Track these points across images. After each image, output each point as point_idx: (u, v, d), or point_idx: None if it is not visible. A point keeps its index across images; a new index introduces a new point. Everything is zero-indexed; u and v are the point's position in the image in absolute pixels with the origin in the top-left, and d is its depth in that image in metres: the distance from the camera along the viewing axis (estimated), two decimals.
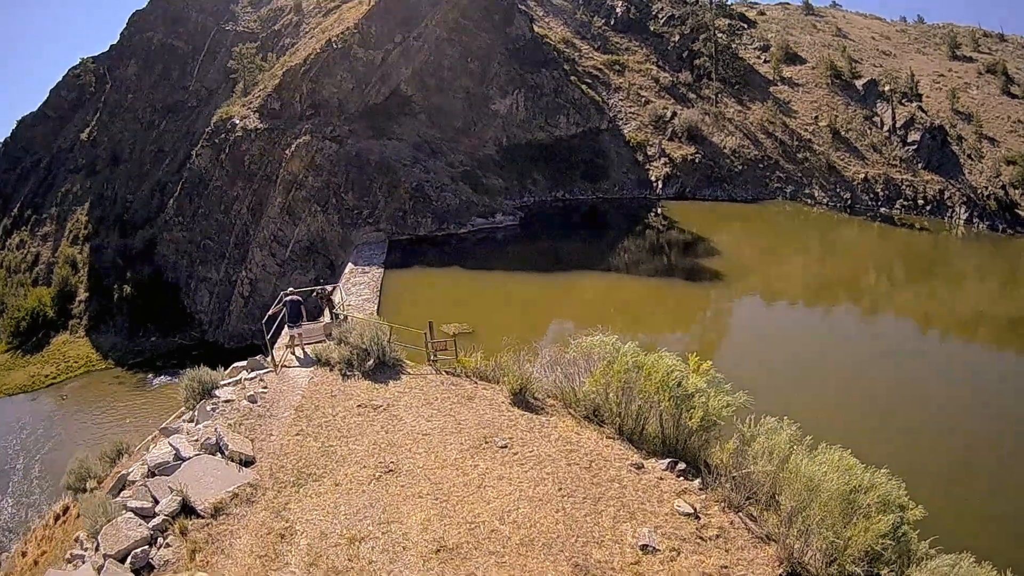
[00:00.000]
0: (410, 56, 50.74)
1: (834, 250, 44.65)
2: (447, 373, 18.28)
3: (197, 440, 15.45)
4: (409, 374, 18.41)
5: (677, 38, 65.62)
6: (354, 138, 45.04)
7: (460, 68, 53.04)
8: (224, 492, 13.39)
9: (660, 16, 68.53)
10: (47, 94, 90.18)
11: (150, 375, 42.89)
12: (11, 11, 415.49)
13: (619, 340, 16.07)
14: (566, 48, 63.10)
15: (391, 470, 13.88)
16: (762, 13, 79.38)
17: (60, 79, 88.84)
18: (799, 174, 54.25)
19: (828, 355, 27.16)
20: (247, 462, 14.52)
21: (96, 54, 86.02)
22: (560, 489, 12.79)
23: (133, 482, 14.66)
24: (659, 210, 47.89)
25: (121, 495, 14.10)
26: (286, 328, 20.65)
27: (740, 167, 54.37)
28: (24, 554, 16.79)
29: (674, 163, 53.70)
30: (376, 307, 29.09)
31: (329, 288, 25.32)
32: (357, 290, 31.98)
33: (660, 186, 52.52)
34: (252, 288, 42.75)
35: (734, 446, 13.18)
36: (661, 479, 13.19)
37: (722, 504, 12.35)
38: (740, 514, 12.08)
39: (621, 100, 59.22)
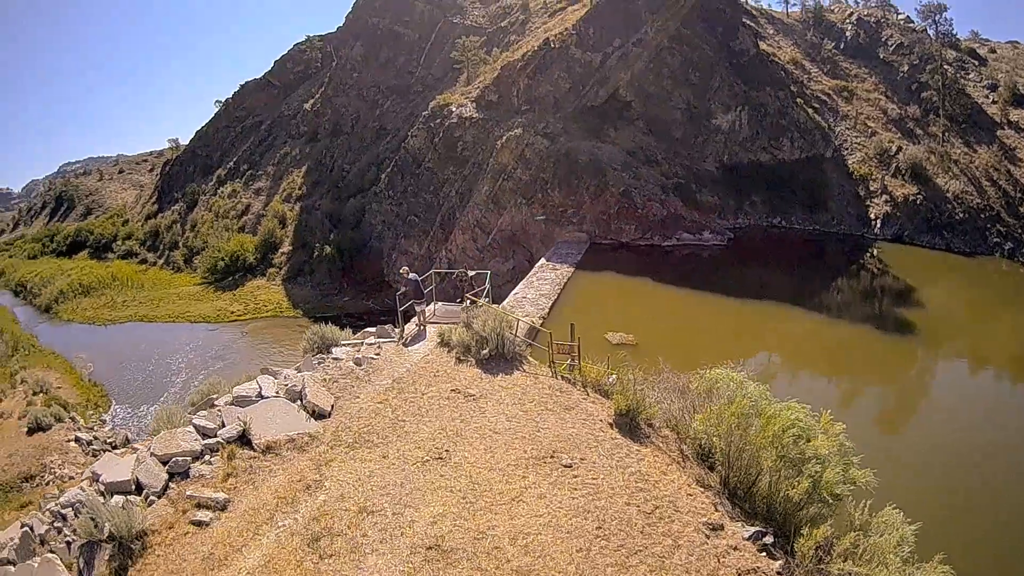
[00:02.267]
0: (629, 62, 51.54)
1: None
2: (563, 378, 17.53)
3: (285, 385, 16.79)
4: (523, 371, 18.01)
5: (906, 68, 62.22)
6: (566, 137, 46.63)
7: (680, 78, 53.26)
8: (283, 435, 14.55)
9: (889, 43, 65.28)
10: (271, 64, 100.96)
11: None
12: None
13: (748, 377, 14.55)
14: (795, 69, 61.72)
15: (441, 458, 13.81)
16: (993, 51, 73.20)
17: (286, 52, 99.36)
18: (1019, 230, 49.55)
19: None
20: (320, 415, 15.61)
21: (322, 33, 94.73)
22: (599, 528, 11.74)
23: (215, 406, 16.09)
24: (875, 251, 45.43)
25: (198, 414, 15.51)
26: (415, 307, 21.24)
27: (961, 215, 50.05)
28: None
29: (895, 202, 50.79)
30: (551, 304, 29.49)
31: (471, 273, 25.55)
32: (539, 284, 32.68)
33: (879, 225, 49.79)
34: (449, 268, 45.15)
35: (827, 532, 11.46)
36: (733, 549, 11.57)
37: None
38: None
39: (847, 129, 56.94)
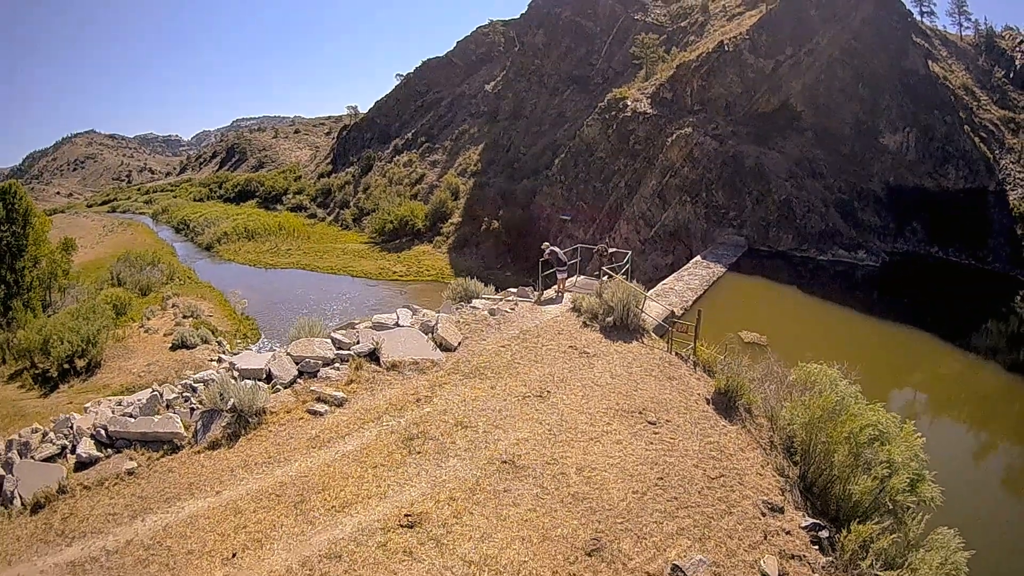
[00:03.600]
0: (800, 71, 52.80)
1: None
2: (677, 355, 18.83)
3: (421, 320, 19.18)
4: (640, 342, 19.37)
5: None
6: (735, 140, 49.28)
7: (851, 92, 53.73)
8: (409, 358, 16.56)
9: None
10: (453, 44, 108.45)
11: None
12: None
13: (846, 376, 15.12)
14: (965, 95, 60.17)
15: (540, 396, 15.50)
16: None
17: (468, 34, 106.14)
18: None
19: None
20: (447, 348, 17.58)
21: (505, 18, 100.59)
22: (660, 479, 12.92)
23: (355, 327, 18.55)
24: None
25: (337, 331, 17.95)
26: (557, 274, 23.42)
27: None
28: None
29: None
30: (695, 298, 31.06)
31: (612, 249, 27.00)
32: (688, 279, 34.81)
33: None
34: (609, 243, 48.53)
35: (873, 530, 11.67)
36: (785, 532, 12.15)
37: None
38: None
39: (1012, 163, 55.65)
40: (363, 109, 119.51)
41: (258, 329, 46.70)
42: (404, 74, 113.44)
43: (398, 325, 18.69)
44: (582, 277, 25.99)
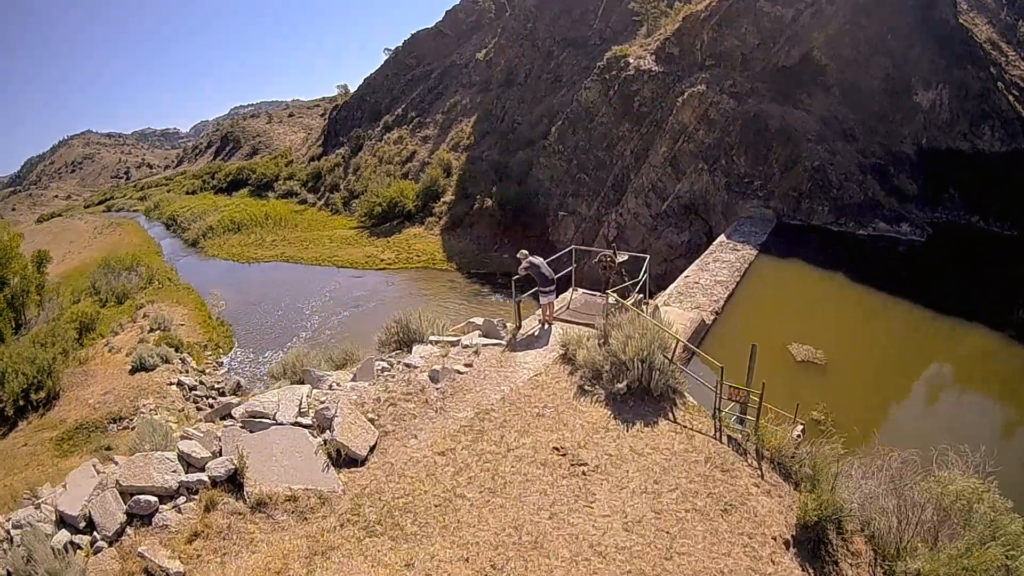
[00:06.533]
0: (823, 20, 46.65)
1: None
2: (730, 439, 12.28)
3: (316, 405, 13.06)
4: (672, 421, 12.68)
5: None
6: (755, 98, 43.28)
7: (878, 43, 47.61)
8: (286, 487, 11.01)
9: None
10: (442, 15, 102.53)
11: (487, 288, 45.09)
12: None
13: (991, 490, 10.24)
14: (992, 50, 54.40)
15: (497, 568, 9.54)
16: None
17: (458, 2, 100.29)
18: None
19: None
20: (349, 461, 11.83)
21: None
22: None
23: (230, 418, 12.97)
24: None
25: (182, 442, 11.84)
26: (541, 298, 16.79)
27: None
28: None
29: None
30: (726, 295, 25.46)
31: (621, 257, 19.45)
32: (715, 268, 29.37)
33: None
34: (618, 234, 43.31)
35: None
36: None
37: None
38: None
39: None
40: (354, 88, 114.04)
41: (232, 336, 43.33)
42: (393, 48, 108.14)
43: (276, 422, 12.47)
44: (580, 291, 19.32)
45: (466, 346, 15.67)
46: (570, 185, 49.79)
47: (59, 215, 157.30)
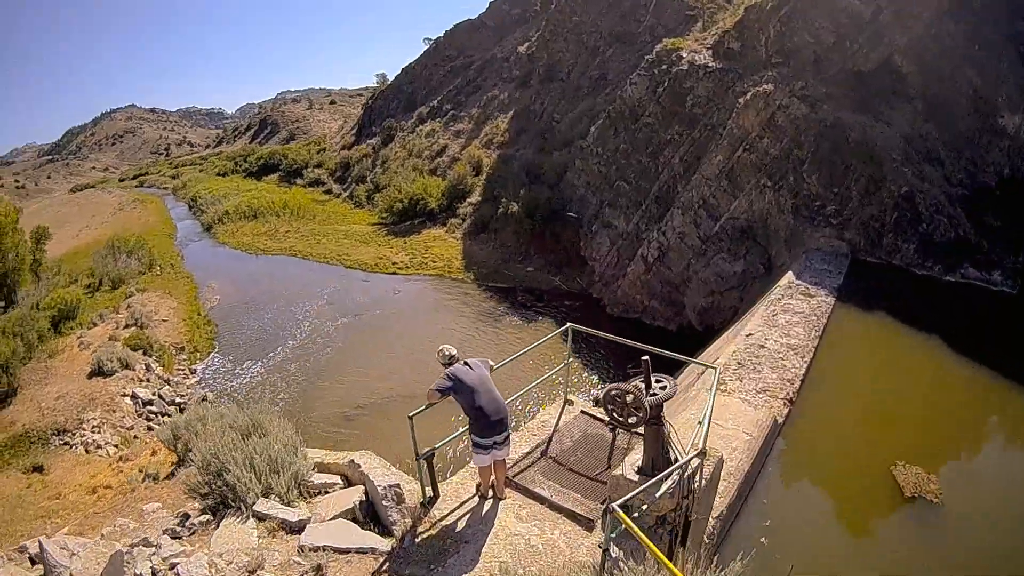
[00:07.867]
0: (905, 21, 39.38)
1: None
2: None
3: None
4: None
5: None
6: (831, 104, 36.45)
7: (964, 54, 40.48)
8: None
9: None
10: (486, 6, 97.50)
11: (504, 305, 39.64)
12: None
13: None
14: None
15: None
16: None
17: None
18: None
19: None
20: None
21: None
22: None
23: None
24: None
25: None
26: (474, 453, 8.95)
27: None
28: None
29: None
30: (804, 368, 17.36)
31: (666, 388, 8.34)
32: (785, 322, 21.22)
33: None
34: (660, 255, 37.34)
35: None
36: None
37: None
38: None
39: None
40: (392, 77, 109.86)
41: (214, 338, 39.00)
42: (433, 38, 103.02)
43: None
44: (580, 410, 11.59)
45: (311, 548, 8.42)
46: (607, 193, 43.75)
47: (92, 187, 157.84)
